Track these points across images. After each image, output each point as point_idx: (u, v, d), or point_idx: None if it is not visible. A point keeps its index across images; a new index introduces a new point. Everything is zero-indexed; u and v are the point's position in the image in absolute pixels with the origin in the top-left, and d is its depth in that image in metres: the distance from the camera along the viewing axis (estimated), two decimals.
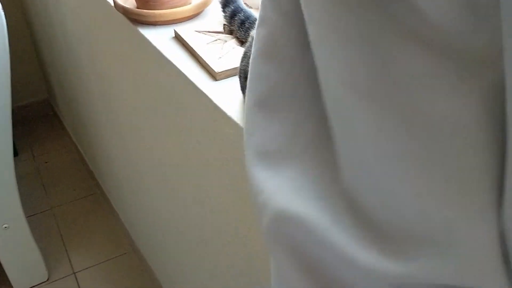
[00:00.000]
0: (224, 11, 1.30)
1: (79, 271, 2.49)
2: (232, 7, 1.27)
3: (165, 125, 1.51)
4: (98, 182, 2.89)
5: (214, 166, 1.27)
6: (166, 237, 2.00)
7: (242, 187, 1.16)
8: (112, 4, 1.46)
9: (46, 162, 3.14)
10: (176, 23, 1.40)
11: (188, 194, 1.55)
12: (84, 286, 2.42)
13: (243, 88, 0.99)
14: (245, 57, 0.98)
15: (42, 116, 3.40)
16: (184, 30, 1.34)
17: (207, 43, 1.29)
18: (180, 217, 1.70)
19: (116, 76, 1.83)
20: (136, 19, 1.41)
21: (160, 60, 1.31)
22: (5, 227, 2.16)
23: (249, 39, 1.01)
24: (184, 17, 1.40)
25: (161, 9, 1.38)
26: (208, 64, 1.20)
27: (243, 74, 0.99)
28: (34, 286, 2.39)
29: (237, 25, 1.23)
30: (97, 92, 2.22)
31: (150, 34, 1.37)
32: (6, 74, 1.90)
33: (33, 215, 2.79)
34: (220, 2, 1.30)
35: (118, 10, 1.42)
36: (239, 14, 1.22)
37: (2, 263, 2.25)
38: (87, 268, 2.50)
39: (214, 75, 1.18)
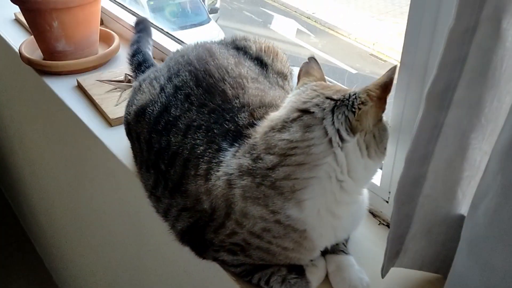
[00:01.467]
0: (131, 61, 1.35)
1: None
2: (139, 58, 1.32)
3: (73, 171, 1.56)
4: (24, 230, 2.86)
5: (114, 208, 1.33)
6: (91, 283, 2.00)
7: (136, 221, 1.22)
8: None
9: None
10: (80, 73, 1.47)
11: (102, 237, 1.58)
12: None
13: (128, 134, 1.06)
14: (128, 105, 1.06)
15: None
16: (87, 79, 1.42)
17: (107, 91, 1.36)
18: (103, 261, 1.72)
19: (29, 124, 1.87)
20: (41, 70, 1.47)
21: (62, 108, 1.37)
22: None
23: (133, 86, 1.09)
24: (89, 67, 1.48)
25: (66, 60, 1.45)
26: (104, 112, 1.28)
27: (125, 121, 1.06)
28: None
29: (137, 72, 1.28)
30: (15, 138, 2.23)
31: (54, 84, 1.44)
32: None
33: None
34: (128, 53, 1.35)
35: (23, 61, 1.48)
36: (144, 64, 1.29)
37: None
38: None
39: (110, 122, 1.26)
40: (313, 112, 0.78)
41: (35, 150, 1.93)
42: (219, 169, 0.83)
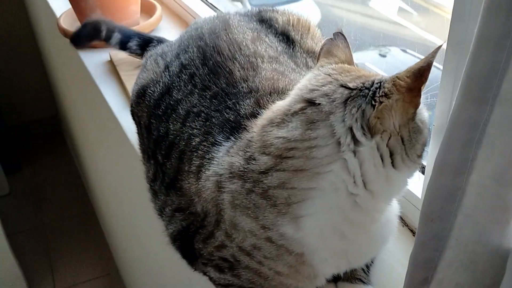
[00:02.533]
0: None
1: None
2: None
3: (97, 148, 1.49)
4: (91, 202, 2.91)
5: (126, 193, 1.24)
6: (145, 263, 1.96)
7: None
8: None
9: (46, 179, 3.19)
10: None
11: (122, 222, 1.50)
12: None
13: (132, 117, 0.94)
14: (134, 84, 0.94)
15: (49, 133, 3.46)
16: (120, 53, 1.32)
17: (136, 67, 1.25)
18: (159, 247, 1.65)
19: (75, 98, 1.84)
20: None
21: (89, 83, 1.30)
22: None
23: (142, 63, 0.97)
24: None
25: None
26: (128, 90, 1.17)
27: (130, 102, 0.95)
28: None
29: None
30: (73, 113, 2.23)
31: (87, 57, 1.36)
32: None
33: (26, 230, 2.83)
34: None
35: (60, 33, 1.42)
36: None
37: None
38: (68, 287, 2.49)
39: None
40: (319, 103, 0.60)
41: (83, 125, 1.90)
42: (210, 168, 0.69)
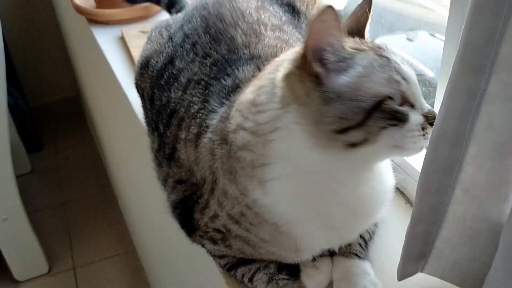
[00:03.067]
0: (170, 13, 1.25)
1: (79, 266, 2.54)
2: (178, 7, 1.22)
3: (108, 124, 1.50)
4: (109, 181, 2.94)
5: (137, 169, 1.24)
6: (160, 243, 1.98)
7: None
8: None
9: (67, 158, 3.24)
10: (128, 23, 1.38)
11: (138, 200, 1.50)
12: (81, 281, 2.46)
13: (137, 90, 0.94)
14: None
15: (70, 113, 3.51)
16: (131, 30, 1.33)
17: None
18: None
19: (92, 77, 1.85)
20: (90, 19, 1.41)
21: (101, 58, 1.30)
22: (4, 219, 2.24)
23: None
24: (136, 17, 1.38)
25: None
26: None
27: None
28: (34, 278, 2.47)
29: None
30: (91, 93, 2.25)
31: (100, 33, 1.37)
32: (1, 75, 1.96)
33: (47, 208, 2.88)
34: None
35: (74, 9, 1.43)
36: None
37: (3, 253, 2.33)
38: (86, 264, 2.54)
39: None
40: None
41: (99, 103, 1.92)
42: (206, 135, 0.69)
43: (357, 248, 0.71)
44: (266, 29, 0.78)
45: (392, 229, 0.75)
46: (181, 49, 0.81)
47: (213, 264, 0.75)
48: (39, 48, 3.29)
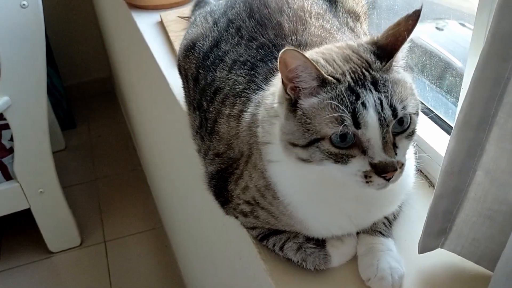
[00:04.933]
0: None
1: (109, 240, 2.65)
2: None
3: (147, 106, 1.56)
4: (139, 159, 3.04)
5: (175, 153, 1.30)
6: (183, 218, 2.06)
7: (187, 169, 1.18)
8: None
9: (99, 136, 3.35)
10: (166, 8, 1.44)
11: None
12: (111, 255, 2.57)
13: (178, 72, 1.00)
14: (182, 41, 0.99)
15: (103, 93, 3.62)
16: (169, 15, 1.38)
17: (184, 29, 1.31)
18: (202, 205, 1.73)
19: (128, 59, 1.92)
20: (130, 3, 1.47)
21: (141, 43, 1.36)
22: (41, 192, 2.34)
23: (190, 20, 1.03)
24: (174, 3, 1.44)
25: None
26: (176, 49, 1.23)
27: (177, 58, 1.00)
28: (66, 250, 2.58)
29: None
30: (125, 74, 2.32)
31: (140, 18, 1.43)
32: (42, 53, 2.04)
33: (80, 183, 3.00)
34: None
35: None
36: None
37: (39, 225, 2.44)
38: (117, 238, 2.65)
39: None
40: None
41: (133, 84, 1.98)
42: (248, 112, 0.75)
43: (381, 227, 0.75)
44: (311, 17, 0.82)
45: (416, 210, 0.80)
46: (226, 33, 0.87)
47: (245, 236, 0.81)
48: (74, 30, 3.39)
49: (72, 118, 3.41)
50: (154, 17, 1.42)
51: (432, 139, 0.86)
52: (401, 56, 0.63)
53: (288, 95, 0.61)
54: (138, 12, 1.45)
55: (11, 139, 2.23)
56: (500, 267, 0.58)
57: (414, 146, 0.74)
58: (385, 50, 0.63)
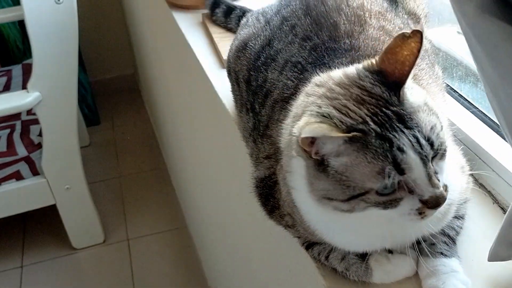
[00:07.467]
0: (213, 13, 1.31)
1: (133, 238, 2.64)
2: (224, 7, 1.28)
3: (187, 107, 1.55)
4: (163, 158, 3.03)
5: (217, 155, 1.29)
6: (211, 219, 2.05)
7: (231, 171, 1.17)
8: None
9: (123, 133, 3.35)
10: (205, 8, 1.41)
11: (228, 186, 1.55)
12: (134, 253, 2.56)
13: (228, 74, 0.97)
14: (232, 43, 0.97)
15: (127, 90, 3.61)
16: None
17: (229, 29, 1.29)
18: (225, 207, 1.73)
19: (160, 58, 1.90)
20: (171, 3, 1.45)
21: (183, 43, 1.34)
22: (67, 188, 2.34)
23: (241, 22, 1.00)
24: None
25: None
26: (220, 51, 1.21)
27: (227, 60, 0.98)
28: (90, 246, 2.58)
29: (235, 22, 1.23)
30: (157, 73, 2.31)
31: (181, 17, 1.41)
32: (74, 50, 2.04)
33: (103, 180, 3.00)
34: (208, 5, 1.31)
35: None
36: (234, 12, 1.22)
37: (63, 221, 2.45)
38: (140, 236, 2.64)
39: (223, 62, 1.19)
40: None
41: (165, 83, 1.97)
42: (289, 120, 0.71)
43: (442, 247, 0.70)
44: (370, 17, 0.76)
45: (481, 230, 0.76)
46: (279, 31, 0.82)
47: (300, 249, 0.78)
48: (101, 28, 3.39)
49: (97, 114, 3.42)
50: (195, 17, 1.39)
51: (495, 151, 0.82)
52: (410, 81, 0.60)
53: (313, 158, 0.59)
54: (179, 12, 1.43)
55: (40, 135, 2.24)
56: None
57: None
58: (391, 77, 0.59)
